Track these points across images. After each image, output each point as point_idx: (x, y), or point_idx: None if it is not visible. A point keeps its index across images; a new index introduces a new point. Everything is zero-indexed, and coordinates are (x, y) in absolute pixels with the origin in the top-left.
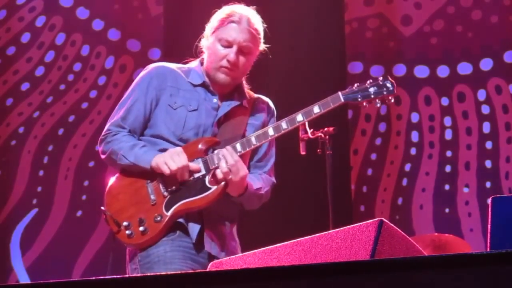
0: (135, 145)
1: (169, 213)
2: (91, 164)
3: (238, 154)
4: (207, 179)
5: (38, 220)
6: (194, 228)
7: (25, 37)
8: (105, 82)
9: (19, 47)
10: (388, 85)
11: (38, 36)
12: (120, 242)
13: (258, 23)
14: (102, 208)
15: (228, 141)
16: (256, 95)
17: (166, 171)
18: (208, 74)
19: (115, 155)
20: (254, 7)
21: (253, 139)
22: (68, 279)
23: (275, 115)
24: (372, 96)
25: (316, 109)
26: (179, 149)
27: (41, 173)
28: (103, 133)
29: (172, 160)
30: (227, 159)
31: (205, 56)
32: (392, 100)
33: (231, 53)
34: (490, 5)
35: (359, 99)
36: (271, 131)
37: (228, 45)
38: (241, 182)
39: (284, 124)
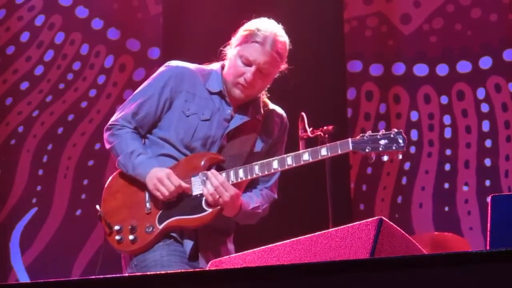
0: (133, 153)
1: (160, 227)
2: (91, 163)
3: (239, 180)
4: (204, 199)
5: (38, 219)
6: (187, 244)
7: (25, 36)
8: (105, 81)
9: (18, 46)
10: (400, 140)
11: (38, 35)
12: (110, 245)
13: (281, 45)
14: (97, 207)
15: (233, 157)
16: (271, 107)
17: (160, 197)
18: (226, 83)
19: (116, 155)
20: (281, 26)
21: (256, 168)
22: (67, 278)
23: (287, 129)
24: (381, 149)
25: (323, 152)
26: (168, 171)
27: (40, 172)
28: (111, 121)
29: (162, 185)
30: (211, 181)
31: (226, 63)
32: (400, 157)
33: (249, 72)
34: (489, 3)
35: (367, 150)
36: (275, 164)
37: (248, 63)
38: (232, 202)
39: (289, 160)
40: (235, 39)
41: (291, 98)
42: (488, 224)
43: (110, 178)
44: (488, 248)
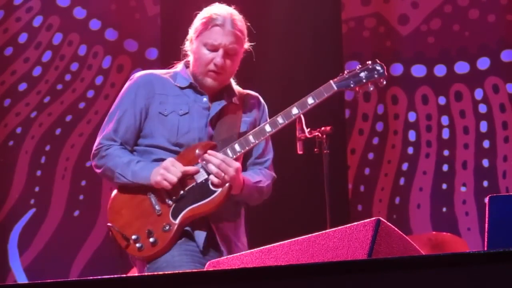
0: (131, 162)
1: (177, 221)
2: (89, 164)
3: (238, 154)
4: (210, 183)
5: (36, 220)
6: (200, 236)
7: (22, 37)
8: (103, 82)
9: (16, 48)
10: (378, 68)
11: (35, 36)
12: (130, 256)
13: (241, 22)
14: (109, 224)
15: (225, 141)
16: (245, 91)
17: (168, 186)
18: (196, 77)
19: (111, 173)
20: (233, 6)
21: (251, 138)
22: (66, 279)
23: (266, 110)
24: (364, 81)
25: (310, 100)
26: (170, 159)
27: (38, 173)
28: (95, 147)
29: (169, 173)
30: (212, 161)
31: (190, 59)
32: (384, 83)
33: (218, 57)
34: (487, 4)
35: (352, 85)
36: (268, 128)
37: (214, 49)
38: (237, 176)
39: (280, 119)
40: (193, 31)
41: (288, 99)
42: (486, 225)
43: (110, 200)
44: (485, 248)
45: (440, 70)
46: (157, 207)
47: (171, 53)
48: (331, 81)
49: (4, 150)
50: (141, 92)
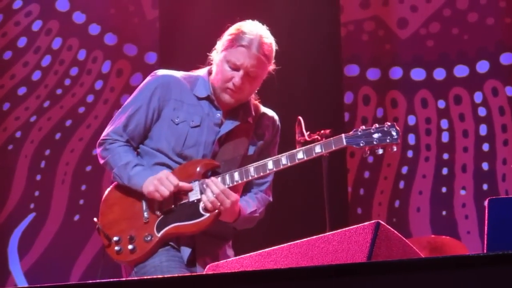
0: (128, 165)
1: (159, 234)
2: (88, 168)
3: (235, 183)
4: (201, 204)
5: (36, 224)
6: (185, 252)
7: (22, 42)
8: (102, 87)
9: (15, 52)
10: (393, 133)
11: (35, 41)
12: (109, 257)
13: (268, 46)
14: (95, 219)
15: (227, 162)
16: (262, 110)
17: (159, 198)
18: (214, 88)
19: (110, 169)
20: (266, 27)
21: (251, 170)
22: (66, 283)
23: (279, 132)
24: (375, 143)
25: (317, 149)
26: (165, 172)
27: (38, 177)
28: (102, 136)
29: (162, 185)
30: (211, 188)
31: (213, 68)
32: (395, 149)
33: (237, 77)
34: (486, 7)
35: (362, 145)
36: (270, 165)
37: (235, 68)
38: (232, 208)
39: (284, 160)
40: (221, 44)
41: (288, 102)
42: (485, 227)
43: (106, 191)
44: (485, 251)
45: (439, 74)
46: (145, 214)
47: (170, 57)
48: (342, 135)
49: (3, 154)
50: (158, 92)
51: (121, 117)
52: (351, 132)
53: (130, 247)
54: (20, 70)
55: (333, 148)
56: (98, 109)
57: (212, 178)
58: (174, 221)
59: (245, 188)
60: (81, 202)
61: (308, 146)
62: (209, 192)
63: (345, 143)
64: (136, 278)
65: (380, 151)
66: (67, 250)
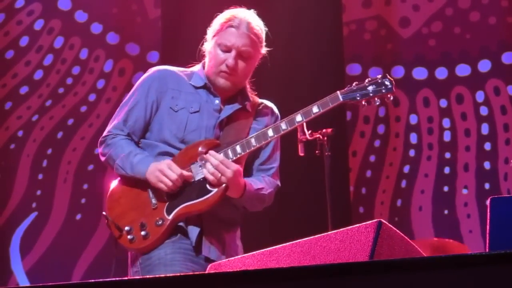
0: (130, 154)
1: (170, 217)
2: (91, 167)
3: (238, 155)
4: (207, 181)
5: (38, 223)
6: (193, 231)
7: (24, 41)
8: (104, 86)
9: (17, 51)
10: (387, 83)
11: (37, 40)
12: (122, 247)
13: (258, 27)
14: (104, 213)
15: (230, 144)
16: (260, 100)
17: (163, 188)
18: (209, 77)
19: (112, 162)
20: (255, 10)
21: (252, 141)
22: (68, 282)
23: (279, 118)
24: (371, 95)
25: (315, 109)
26: (167, 161)
27: (40, 176)
28: (103, 135)
29: (164, 175)
30: (210, 161)
31: (206, 59)
32: (391, 98)
33: (230, 58)
34: (488, 7)
35: (358, 98)
36: (270, 132)
37: (227, 50)
38: (235, 178)
39: (283, 125)
40: (211, 31)
41: (290, 101)
42: (487, 226)
43: (110, 187)
44: (487, 250)
45: (441, 73)
46: (153, 201)
47: (172, 56)
48: (338, 92)
49: (5, 153)
50: (155, 85)
51: (120, 114)
52: (345, 88)
53: (143, 233)
54: (22, 69)
55: (330, 105)
56: (100, 108)
57: (210, 151)
58: (183, 202)
59: (251, 174)
60: (83, 201)
61: (305, 108)
62: (209, 165)
63: (341, 99)
64: (137, 277)
65: (377, 103)
66: (69, 249)
